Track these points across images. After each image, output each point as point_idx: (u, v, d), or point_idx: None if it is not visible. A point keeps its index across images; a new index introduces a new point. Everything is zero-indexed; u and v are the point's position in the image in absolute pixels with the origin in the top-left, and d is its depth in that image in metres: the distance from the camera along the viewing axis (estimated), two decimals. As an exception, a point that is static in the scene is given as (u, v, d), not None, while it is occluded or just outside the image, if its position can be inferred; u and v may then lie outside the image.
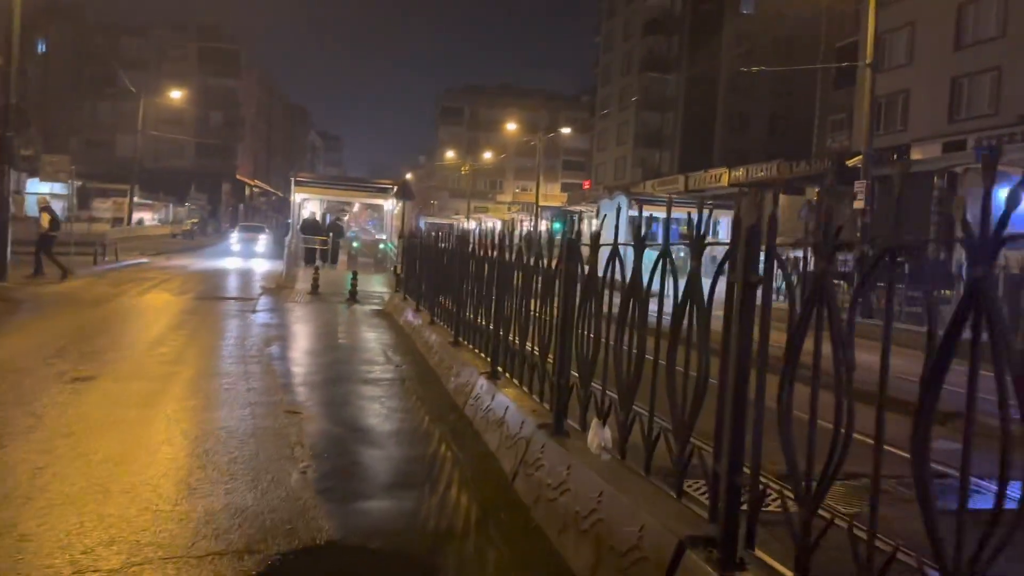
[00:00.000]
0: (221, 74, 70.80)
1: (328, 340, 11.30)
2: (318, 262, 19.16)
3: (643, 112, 59.15)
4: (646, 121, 59.45)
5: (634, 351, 3.89)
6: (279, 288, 17.94)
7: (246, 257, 31.58)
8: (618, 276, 4.29)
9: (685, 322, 3.45)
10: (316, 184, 24.08)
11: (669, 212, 17.97)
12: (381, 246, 23.36)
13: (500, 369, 6.51)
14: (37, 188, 49.32)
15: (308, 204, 29.68)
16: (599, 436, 4.05)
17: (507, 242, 6.64)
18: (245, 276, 23.34)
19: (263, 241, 35.32)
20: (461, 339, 8.32)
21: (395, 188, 22.40)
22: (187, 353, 9.37)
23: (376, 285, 19.41)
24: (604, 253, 4.43)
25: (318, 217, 25.66)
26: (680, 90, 56.69)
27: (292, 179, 22.78)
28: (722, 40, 52.27)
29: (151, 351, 9.30)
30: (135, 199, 49.67)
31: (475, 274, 7.79)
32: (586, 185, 66.01)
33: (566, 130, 57.91)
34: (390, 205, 23.41)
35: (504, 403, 5.71)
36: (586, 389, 4.53)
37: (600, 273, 4.45)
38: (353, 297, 15.99)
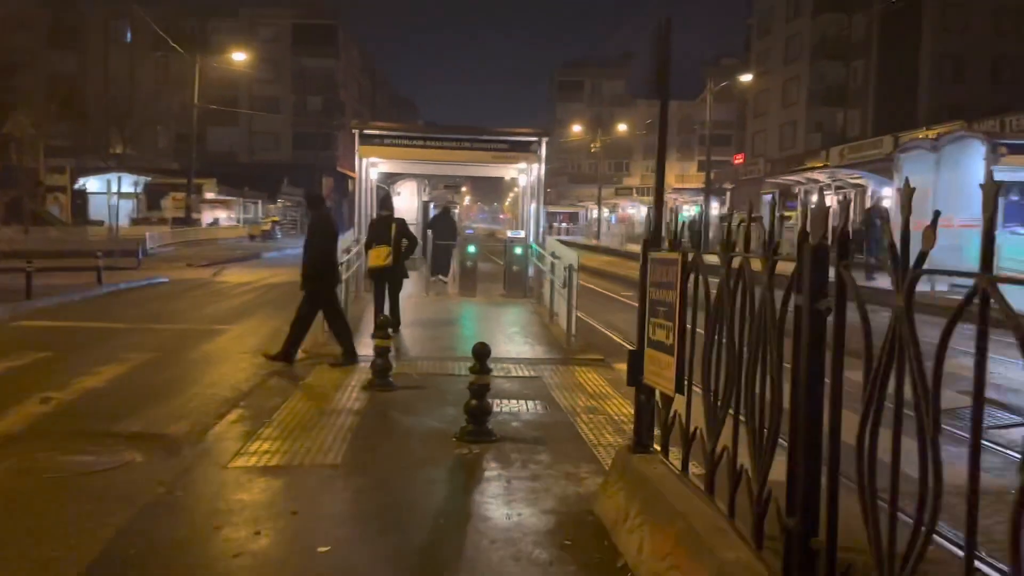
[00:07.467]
0: (318, 54, 64.07)
1: None
2: (382, 309, 9.49)
3: (820, 63, 47.22)
4: (824, 74, 47.40)
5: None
6: (311, 367, 8.04)
7: None
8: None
9: None
10: (398, 140, 12.94)
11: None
12: (517, 251, 13.38)
13: None
14: (99, 187, 42.71)
15: (402, 187, 20.14)
16: None
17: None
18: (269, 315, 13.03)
19: None
20: None
21: (540, 139, 12.47)
22: None
23: (516, 340, 9.60)
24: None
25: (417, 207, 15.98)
26: (872, 32, 44.66)
27: (356, 133, 12.34)
28: (925, -35, 41.06)
29: None
30: (211, 196, 42.21)
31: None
32: (738, 159, 55.12)
33: (750, 77, 45.60)
34: (526, 178, 13.54)
35: None
36: None
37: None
38: (477, 420, 5.66)
